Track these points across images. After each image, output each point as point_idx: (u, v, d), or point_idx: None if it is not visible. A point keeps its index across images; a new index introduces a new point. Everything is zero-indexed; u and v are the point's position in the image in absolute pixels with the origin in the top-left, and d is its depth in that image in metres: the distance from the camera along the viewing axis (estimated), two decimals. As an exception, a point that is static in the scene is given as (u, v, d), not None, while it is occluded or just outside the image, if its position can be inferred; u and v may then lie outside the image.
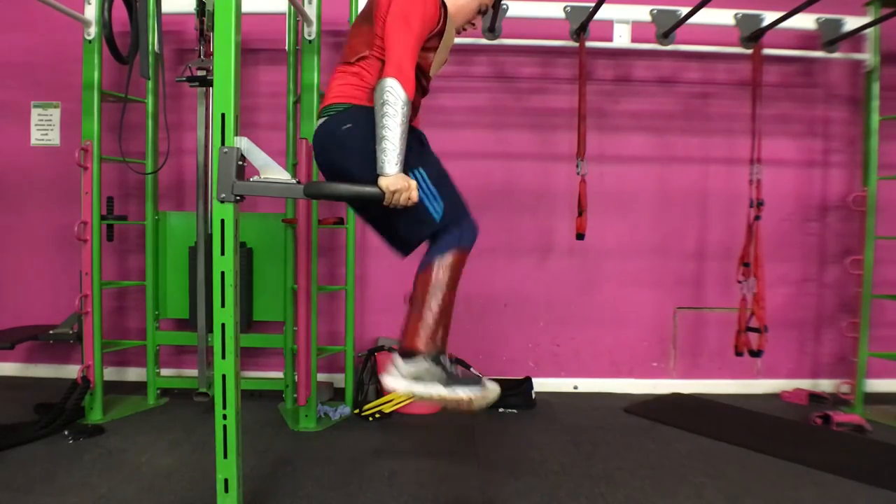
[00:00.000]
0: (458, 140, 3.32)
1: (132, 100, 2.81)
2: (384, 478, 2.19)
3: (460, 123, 3.34)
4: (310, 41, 2.67)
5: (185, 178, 3.34)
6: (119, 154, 2.72)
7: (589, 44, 2.94)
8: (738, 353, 2.87)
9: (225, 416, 1.76)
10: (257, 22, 2.99)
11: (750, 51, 2.93)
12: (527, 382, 3.15)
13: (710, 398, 3.25)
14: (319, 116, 1.81)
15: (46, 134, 3.36)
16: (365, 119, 1.67)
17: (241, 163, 1.72)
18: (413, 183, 1.65)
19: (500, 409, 3.01)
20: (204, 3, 2.67)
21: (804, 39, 3.21)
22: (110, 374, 3.26)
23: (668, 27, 2.92)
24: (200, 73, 2.74)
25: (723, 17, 2.94)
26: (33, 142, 3.37)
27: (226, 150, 1.70)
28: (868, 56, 3.06)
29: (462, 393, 1.60)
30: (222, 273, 1.74)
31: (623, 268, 3.40)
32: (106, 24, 2.63)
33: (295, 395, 2.80)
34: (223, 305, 1.75)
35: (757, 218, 2.82)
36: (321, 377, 2.93)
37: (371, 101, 1.69)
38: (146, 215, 3.00)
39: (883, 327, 3.30)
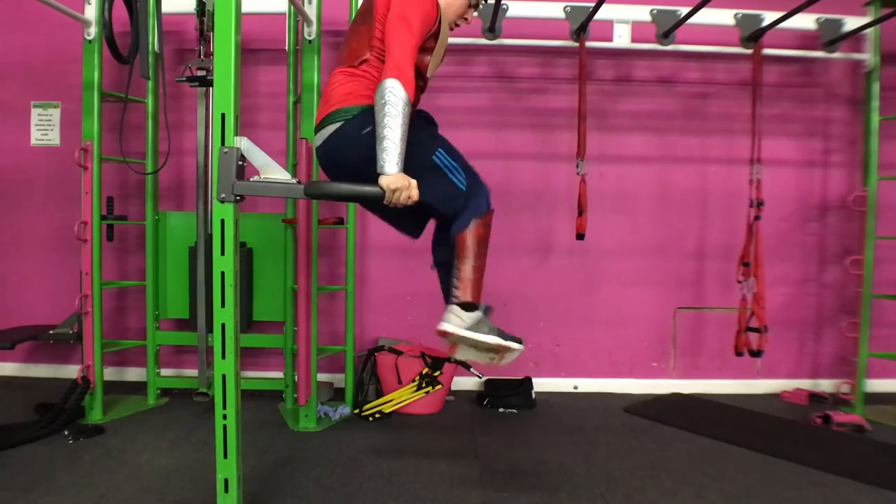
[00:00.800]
0: (458, 140, 3.23)
1: (132, 100, 2.81)
2: (384, 478, 2.19)
3: (460, 123, 3.34)
4: (310, 41, 2.67)
5: (185, 178, 3.34)
6: (119, 154, 2.72)
7: (589, 44, 2.94)
8: (738, 353, 2.87)
9: (225, 416, 1.76)
10: (257, 22, 3.00)
11: (750, 51, 2.94)
12: (527, 382, 3.15)
13: (710, 398, 3.25)
14: (326, 122, 1.80)
15: (46, 134, 3.36)
16: None
17: (241, 163, 1.72)
18: (413, 182, 1.66)
19: (500, 409, 3.01)
20: (204, 3, 2.67)
21: (804, 39, 3.22)
22: (110, 374, 3.26)
23: (668, 27, 2.92)
24: (200, 73, 2.74)
25: (723, 17, 2.94)
26: (33, 142, 3.37)
27: (226, 150, 1.70)
28: (868, 56, 3.07)
29: (513, 344, 1.83)
30: (222, 273, 1.74)
31: (623, 268, 3.40)
32: (106, 24, 2.63)
33: (295, 395, 2.80)
34: (223, 305, 1.75)
35: (757, 218, 2.82)
36: (321, 377, 2.93)
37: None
38: (146, 215, 3.00)
39: (883, 327, 3.30)
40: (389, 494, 2.05)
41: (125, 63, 2.71)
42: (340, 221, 2.94)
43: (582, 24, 2.87)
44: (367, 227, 3.34)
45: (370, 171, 1.68)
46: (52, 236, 3.34)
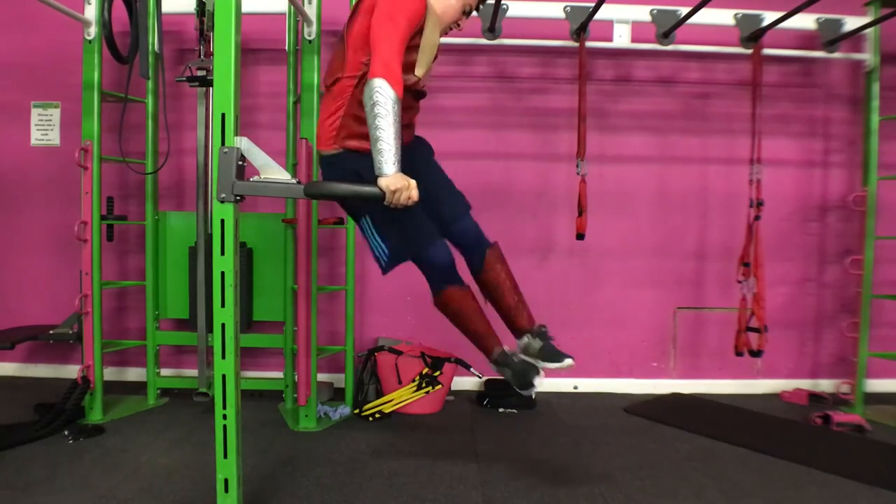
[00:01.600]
0: (458, 140, 3.32)
1: (132, 100, 2.81)
2: (384, 478, 2.19)
3: (460, 123, 3.34)
4: (310, 41, 2.67)
5: (185, 178, 3.34)
6: (119, 154, 2.72)
7: (589, 44, 2.94)
8: (738, 353, 2.87)
9: (225, 416, 1.76)
10: (257, 22, 2.99)
11: (750, 51, 2.93)
12: (527, 382, 3.15)
13: (710, 398, 3.25)
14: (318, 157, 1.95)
15: (46, 134, 3.36)
16: (353, 163, 1.83)
17: (241, 163, 1.72)
18: (412, 182, 1.65)
19: (500, 409, 3.01)
20: (204, 3, 2.67)
21: (804, 39, 3.21)
22: (110, 374, 3.26)
23: (668, 27, 2.92)
24: (200, 73, 2.74)
25: (723, 17, 2.94)
26: (33, 142, 3.37)
27: (226, 150, 1.70)
28: (868, 56, 3.07)
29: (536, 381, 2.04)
30: (222, 273, 1.74)
31: (623, 268, 3.40)
32: (106, 24, 2.63)
33: (295, 395, 2.80)
34: (223, 305, 1.75)
35: (757, 218, 2.82)
36: (321, 377, 2.93)
37: (346, 129, 1.82)
38: (146, 215, 3.00)
39: (883, 327, 3.30)
40: (389, 494, 2.05)
41: (125, 63, 2.70)
42: (340, 221, 2.94)
43: (582, 24, 2.87)
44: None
45: (359, 203, 1.83)
46: (52, 236, 3.34)
